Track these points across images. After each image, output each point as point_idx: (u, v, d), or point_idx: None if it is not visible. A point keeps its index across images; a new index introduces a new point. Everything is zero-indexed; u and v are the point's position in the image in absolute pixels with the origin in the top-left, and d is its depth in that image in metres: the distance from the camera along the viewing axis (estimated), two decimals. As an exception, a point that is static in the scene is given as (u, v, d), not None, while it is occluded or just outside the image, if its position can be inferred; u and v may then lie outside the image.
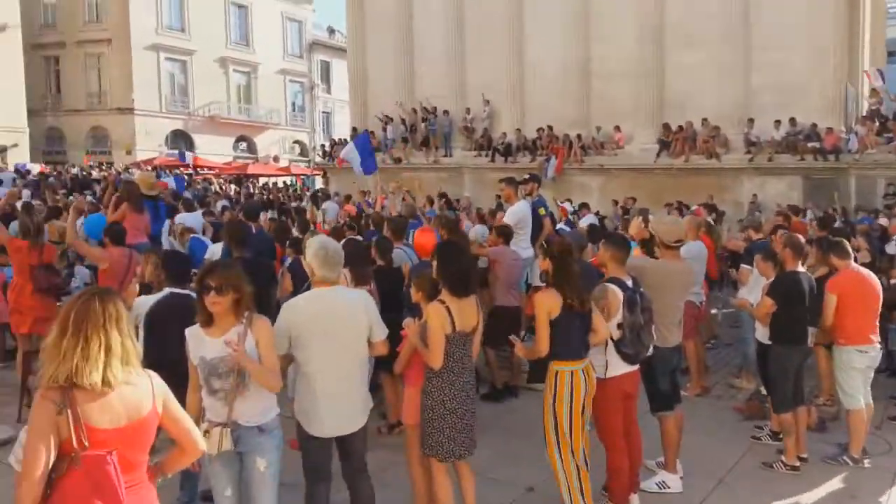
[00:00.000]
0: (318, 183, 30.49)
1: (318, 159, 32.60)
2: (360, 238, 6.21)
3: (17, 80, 32.49)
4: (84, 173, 24.94)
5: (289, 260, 6.00)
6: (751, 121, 17.85)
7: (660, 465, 5.09)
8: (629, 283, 4.24)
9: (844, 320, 5.49)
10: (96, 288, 2.38)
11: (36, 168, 24.65)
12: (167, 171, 25.45)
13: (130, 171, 25.87)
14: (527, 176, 8.43)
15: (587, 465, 4.20)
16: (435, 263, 3.96)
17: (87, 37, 35.30)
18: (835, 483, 5.20)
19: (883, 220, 12.52)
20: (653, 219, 5.50)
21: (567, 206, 14.26)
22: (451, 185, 20.02)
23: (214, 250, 7.79)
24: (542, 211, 7.75)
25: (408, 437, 4.20)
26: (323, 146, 30.88)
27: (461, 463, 4.02)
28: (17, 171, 22.28)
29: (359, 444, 3.72)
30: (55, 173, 24.00)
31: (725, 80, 18.41)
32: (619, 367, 4.23)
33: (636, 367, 4.32)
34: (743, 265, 7.18)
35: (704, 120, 18.37)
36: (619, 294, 4.10)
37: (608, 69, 20.11)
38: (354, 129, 25.10)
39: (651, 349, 4.37)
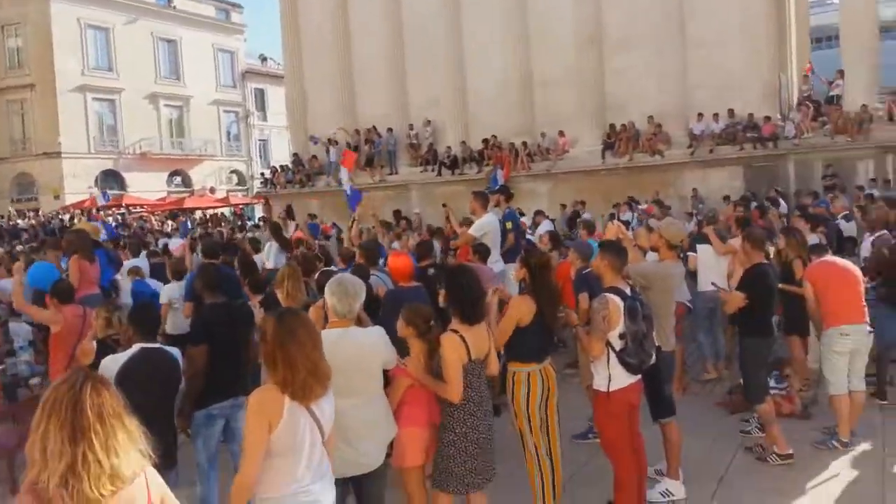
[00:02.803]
0: (258, 211, 29.83)
1: (257, 187, 31.91)
2: (333, 269, 5.86)
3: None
4: (11, 223, 23.81)
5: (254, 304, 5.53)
6: (700, 115, 18.07)
7: (659, 472, 4.97)
8: (627, 291, 4.13)
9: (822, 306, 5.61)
10: (86, 373, 1.99)
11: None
12: (95, 216, 24.36)
13: (60, 215, 24.77)
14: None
15: (550, 460, 4.31)
16: (443, 290, 3.87)
17: (8, 83, 34.03)
18: (834, 468, 5.21)
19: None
20: (660, 223, 5.53)
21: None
22: (399, 203, 19.77)
23: (169, 291, 7.32)
24: (508, 225, 7.63)
25: (407, 481, 3.86)
26: (262, 174, 30.25)
27: (476, 494, 3.85)
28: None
29: (379, 483, 3.61)
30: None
31: (663, 79, 18.76)
32: (623, 379, 4.08)
33: (639, 377, 4.18)
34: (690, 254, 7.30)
35: (650, 118, 18.64)
36: (620, 304, 3.97)
37: (549, 77, 20.29)
38: (296, 155, 24.67)
39: (653, 357, 4.25)
